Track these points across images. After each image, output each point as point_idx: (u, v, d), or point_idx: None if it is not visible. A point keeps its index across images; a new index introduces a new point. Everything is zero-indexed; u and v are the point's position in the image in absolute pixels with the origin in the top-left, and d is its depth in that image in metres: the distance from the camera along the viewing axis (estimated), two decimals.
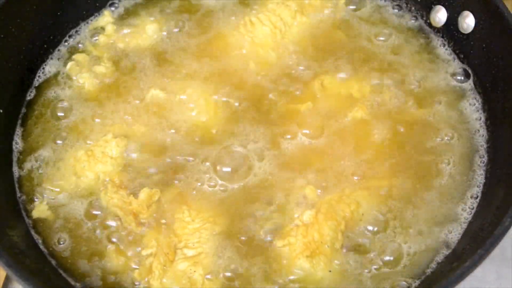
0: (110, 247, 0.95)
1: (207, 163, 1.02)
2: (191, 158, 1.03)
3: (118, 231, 0.96)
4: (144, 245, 0.94)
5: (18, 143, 1.07)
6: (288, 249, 0.93)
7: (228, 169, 1.02)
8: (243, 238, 0.96)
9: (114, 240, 0.96)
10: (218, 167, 1.02)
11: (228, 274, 0.93)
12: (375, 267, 0.93)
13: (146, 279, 0.91)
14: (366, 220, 0.97)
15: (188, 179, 1.01)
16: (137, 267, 0.93)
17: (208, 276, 0.92)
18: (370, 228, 0.96)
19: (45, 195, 1.01)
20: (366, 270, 0.93)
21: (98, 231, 0.97)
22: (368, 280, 0.92)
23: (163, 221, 0.97)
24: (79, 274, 0.94)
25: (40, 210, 0.99)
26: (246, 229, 0.96)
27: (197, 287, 0.91)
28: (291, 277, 0.92)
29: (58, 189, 1.01)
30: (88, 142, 1.05)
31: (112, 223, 0.97)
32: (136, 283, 0.92)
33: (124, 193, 0.98)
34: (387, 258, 0.94)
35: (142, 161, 1.03)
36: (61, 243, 0.97)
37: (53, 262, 0.95)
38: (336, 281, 0.92)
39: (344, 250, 0.94)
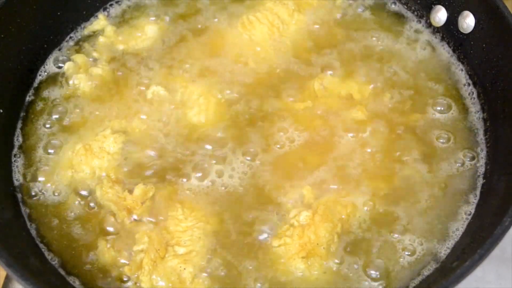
0: (103, 242, 0.95)
1: (204, 162, 1.02)
2: (187, 157, 1.03)
3: (112, 226, 0.96)
4: (136, 240, 0.94)
5: (18, 142, 1.07)
6: (284, 250, 0.93)
7: (225, 169, 1.01)
8: (237, 238, 0.95)
9: (107, 235, 0.96)
10: (214, 166, 1.02)
11: (219, 273, 0.92)
12: (372, 268, 0.93)
13: (136, 275, 0.91)
14: (363, 221, 0.97)
15: (183, 177, 1.01)
16: (128, 262, 0.93)
17: (198, 275, 0.92)
18: (366, 229, 0.96)
19: (43, 191, 1.01)
20: (361, 272, 0.93)
21: (91, 226, 0.97)
22: (366, 282, 0.92)
23: (156, 217, 0.97)
24: (72, 269, 0.94)
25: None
26: (240, 229, 0.96)
27: (186, 285, 0.91)
28: (286, 278, 0.92)
29: (55, 184, 1.01)
30: (86, 137, 1.05)
31: (106, 218, 0.97)
32: (126, 278, 0.92)
33: (119, 189, 0.99)
34: (385, 258, 0.94)
35: (138, 157, 1.03)
36: (58, 238, 0.97)
37: (52, 259, 0.95)
38: (330, 283, 0.91)
39: (340, 252, 0.94)
